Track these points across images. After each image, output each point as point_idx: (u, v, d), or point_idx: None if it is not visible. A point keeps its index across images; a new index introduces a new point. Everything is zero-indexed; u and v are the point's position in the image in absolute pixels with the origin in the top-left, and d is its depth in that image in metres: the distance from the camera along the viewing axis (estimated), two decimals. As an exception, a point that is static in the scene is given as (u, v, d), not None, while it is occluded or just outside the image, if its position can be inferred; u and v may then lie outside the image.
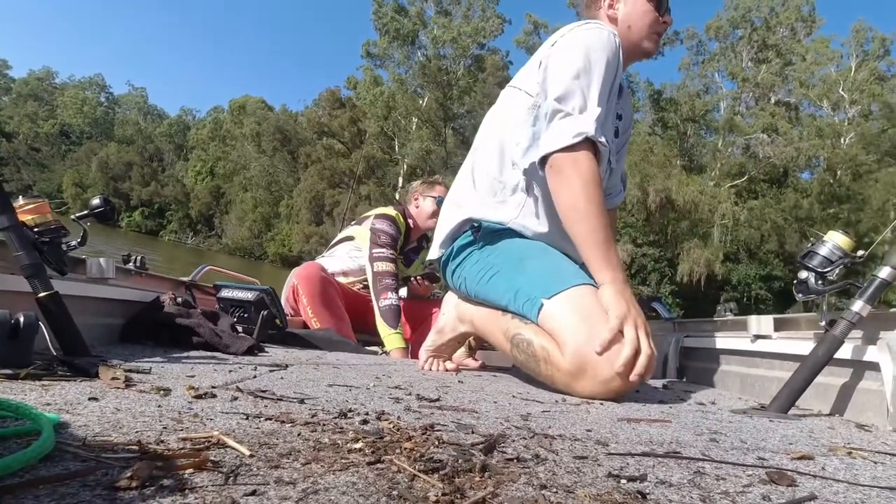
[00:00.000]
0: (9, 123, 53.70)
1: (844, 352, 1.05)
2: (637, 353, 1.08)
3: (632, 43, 1.42)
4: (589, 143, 1.21)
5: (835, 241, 1.10)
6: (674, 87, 27.80)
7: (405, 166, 28.47)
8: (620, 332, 1.09)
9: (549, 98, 1.25)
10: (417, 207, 2.48)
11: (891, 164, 22.63)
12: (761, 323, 1.41)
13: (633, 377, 1.07)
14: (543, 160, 1.25)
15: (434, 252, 1.51)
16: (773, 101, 26.72)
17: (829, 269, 1.08)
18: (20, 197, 1.10)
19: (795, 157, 23.68)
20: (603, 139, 1.23)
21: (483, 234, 1.37)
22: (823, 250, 1.10)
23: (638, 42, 1.43)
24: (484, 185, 1.39)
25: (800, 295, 1.12)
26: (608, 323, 1.10)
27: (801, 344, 1.21)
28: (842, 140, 24.31)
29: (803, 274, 1.11)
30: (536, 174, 1.32)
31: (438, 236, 1.48)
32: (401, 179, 28.03)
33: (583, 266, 1.27)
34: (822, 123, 25.18)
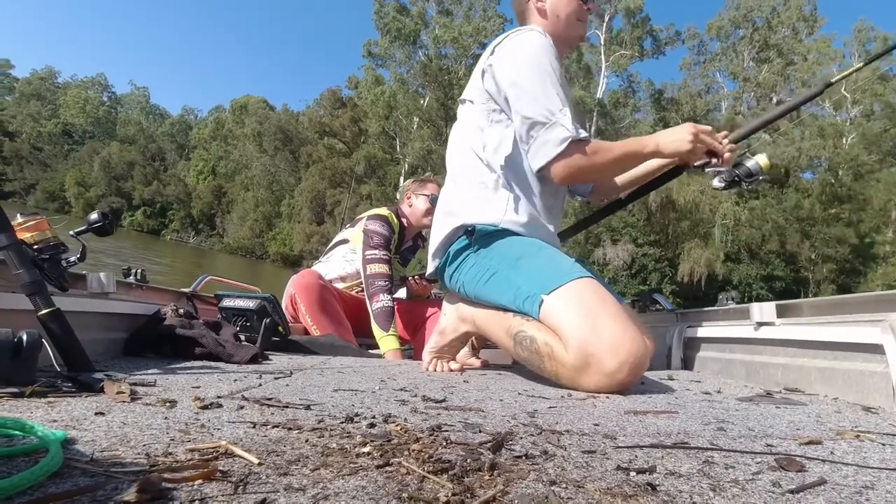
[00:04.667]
0: (12, 123, 53.65)
1: (849, 335, 1.05)
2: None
3: (562, 31, 1.51)
4: (575, 142, 1.29)
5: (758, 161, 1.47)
6: (675, 86, 27.83)
7: (406, 166, 28.45)
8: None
9: (520, 115, 1.32)
10: (411, 206, 2.49)
11: (892, 164, 22.48)
12: (763, 310, 1.41)
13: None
14: (541, 170, 1.33)
15: (430, 266, 1.52)
16: (774, 100, 26.57)
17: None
18: (18, 215, 1.10)
19: (797, 156, 23.43)
20: (584, 133, 1.31)
21: (477, 237, 1.38)
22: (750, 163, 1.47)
23: (567, 30, 1.52)
24: (469, 190, 1.42)
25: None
26: (609, 312, 1.14)
27: (805, 329, 1.21)
28: (844, 140, 24.06)
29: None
30: (514, 170, 1.38)
31: (432, 247, 1.49)
32: (402, 179, 28.02)
33: (578, 261, 1.32)
34: (824, 123, 24.85)
